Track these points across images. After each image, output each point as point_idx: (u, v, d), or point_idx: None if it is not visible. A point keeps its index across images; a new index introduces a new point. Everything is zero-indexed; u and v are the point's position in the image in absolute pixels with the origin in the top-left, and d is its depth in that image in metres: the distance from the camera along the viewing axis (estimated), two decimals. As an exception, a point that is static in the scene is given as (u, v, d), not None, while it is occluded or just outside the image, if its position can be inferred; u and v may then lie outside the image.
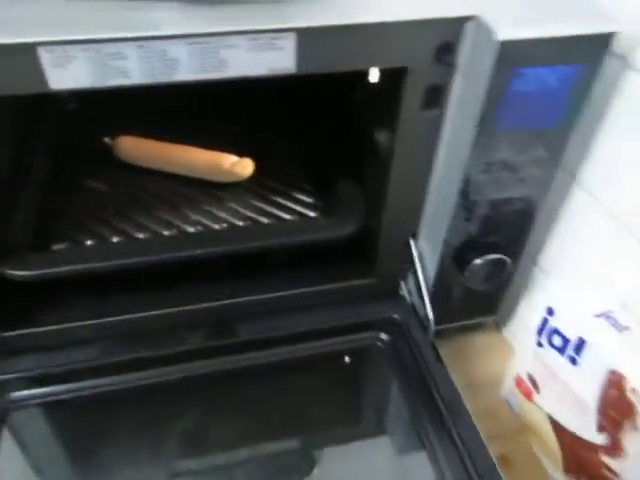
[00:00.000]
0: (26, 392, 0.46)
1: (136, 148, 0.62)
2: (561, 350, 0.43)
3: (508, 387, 0.52)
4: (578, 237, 0.47)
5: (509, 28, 0.34)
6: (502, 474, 0.47)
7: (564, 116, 0.39)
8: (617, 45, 0.38)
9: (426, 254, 0.51)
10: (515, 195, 0.44)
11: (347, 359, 0.45)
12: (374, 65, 0.41)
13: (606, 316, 0.41)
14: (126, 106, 0.61)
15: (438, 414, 0.45)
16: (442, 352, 0.58)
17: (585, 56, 0.36)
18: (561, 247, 0.50)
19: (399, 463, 0.47)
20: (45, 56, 0.33)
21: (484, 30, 0.35)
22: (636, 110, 0.39)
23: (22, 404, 0.45)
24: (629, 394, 0.37)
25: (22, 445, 0.44)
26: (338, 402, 0.47)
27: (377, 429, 0.50)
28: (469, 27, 0.36)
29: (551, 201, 0.48)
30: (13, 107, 0.62)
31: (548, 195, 0.46)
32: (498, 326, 0.61)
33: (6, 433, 0.43)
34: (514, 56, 0.35)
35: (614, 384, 0.38)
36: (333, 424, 0.46)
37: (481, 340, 0.60)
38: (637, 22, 0.37)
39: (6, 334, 0.48)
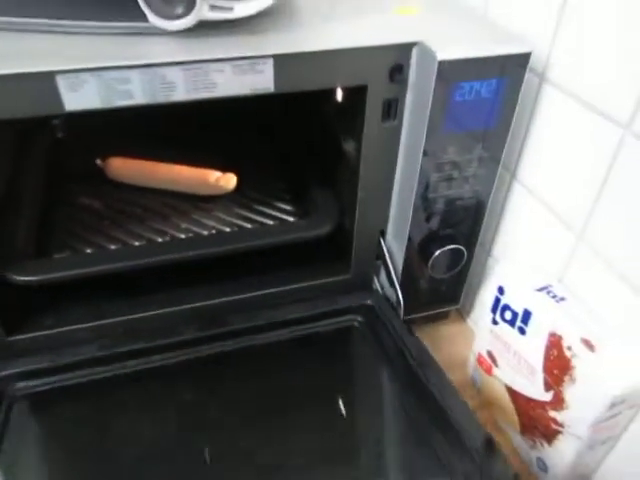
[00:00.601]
0: (30, 383, 0.50)
1: (126, 168, 0.68)
2: (511, 323, 0.50)
3: (471, 365, 0.59)
4: (520, 226, 0.55)
5: (446, 51, 0.42)
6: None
7: (497, 121, 0.47)
8: (536, 64, 0.47)
9: (394, 250, 0.57)
10: (465, 192, 0.51)
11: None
12: (339, 84, 0.48)
13: (546, 290, 0.48)
14: (113, 131, 0.67)
15: (410, 368, 0.50)
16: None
17: (508, 71, 0.44)
18: (508, 236, 0.57)
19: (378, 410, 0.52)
20: (62, 82, 0.39)
21: (427, 53, 0.42)
22: (552, 114, 0.47)
23: (26, 393, 0.49)
24: (566, 351, 0.44)
25: (27, 432, 0.48)
26: (322, 373, 0.53)
27: (359, 390, 0.55)
28: (415, 51, 0.44)
29: (497, 196, 0.56)
30: (11, 134, 0.68)
31: (494, 191, 0.53)
32: (462, 316, 0.68)
33: (13, 421, 0.48)
34: (451, 72, 0.42)
35: (554, 345, 0.45)
36: (319, 391, 0.51)
37: (447, 329, 0.66)
38: (544, 46, 0.46)
39: (10, 338, 0.52)
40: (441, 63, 0.41)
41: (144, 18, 0.40)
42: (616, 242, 0.43)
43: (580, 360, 0.43)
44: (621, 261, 0.42)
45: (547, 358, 0.46)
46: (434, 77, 0.42)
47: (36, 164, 0.68)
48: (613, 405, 0.41)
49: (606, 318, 0.45)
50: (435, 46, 0.42)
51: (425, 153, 0.47)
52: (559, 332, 0.44)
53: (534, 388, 0.48)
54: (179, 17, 0.41)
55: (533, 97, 0.49)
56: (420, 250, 0.55)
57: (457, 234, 0.55)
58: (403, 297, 0.58)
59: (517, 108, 0.47)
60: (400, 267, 0.57)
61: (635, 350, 0.42)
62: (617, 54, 0.39)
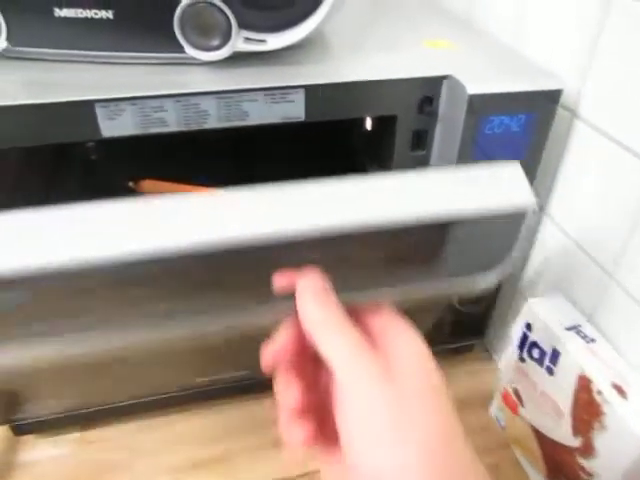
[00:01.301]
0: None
1: (158, 189, 0.70)
2: (539, 361, 0.48)
3: (495, 403, 0.57)
4: (550, 262, 0.53)
5: (476, 84, 0.42)
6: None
7: (527, 155, 0.46)
8: (568, 99, 0.46)
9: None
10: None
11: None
12: (370, 114, 0.48)
13: (576, 330, 0.46)
14: (146, 152, 0.69)
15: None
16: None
17: (539, 107, 0.44)
18: (537, 271, 0.56)
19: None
20: (100, 111, 0.40)
21: (457, 86, 0.42)
22: (583, 151, 0.46)
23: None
24: (596, 396, 0.42)
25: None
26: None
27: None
28: (446, 83, 0.44)
29: (525, 231, 0.55)
30: (47, 154, 0.71)
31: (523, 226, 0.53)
32: (488, 351, 0.66)
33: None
34: (481, 106, 0.42)
35: (583, 388, 0.43)
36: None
37: (472, 363, 0.65)
38: (576, 82, 0.45)
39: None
40: (472, 97, 0.41)
41: (181, 49, 0.42)
42: (649, 284, 0.41)
43: (611, 406, 0.41)
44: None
45: (576, 402, 0.44)
46: (464, 110, 0.42)
47: (69, 185, 0.70)
48: (646, 456, 0.39)
49: (638, 361, 0.43)
50: (466, 80, 0.42)
51: (453, 185, 0.47)
52: (589, 375, 0.43)
53: (562, 432, 0.46)
54: (215, 49, 0.42)
55: (564, 132, 0.48)
56: (446, 282, 0.54)
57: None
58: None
59: (547, 143, 0.46)
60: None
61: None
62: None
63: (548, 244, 0.53)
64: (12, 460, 0.53)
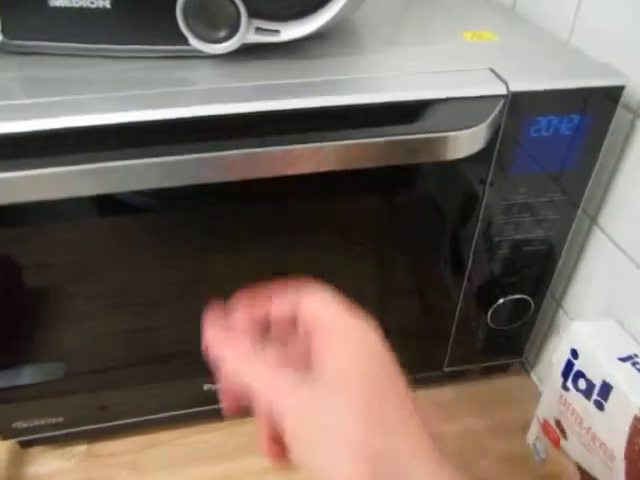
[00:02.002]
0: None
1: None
2: (587, 394, 0.42)
3: (534, 432, 0.51)
4: (599, 279, 0.47)
5: (520, 81, 0.36)
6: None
7: (579, 161, 0.40)
8: (630, 98, 0.40)
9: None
10: (535, 236, 0.45)
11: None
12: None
13: (632, 361, 0.41)
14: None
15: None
16: (468, 395, 0.58)
17: (595, 106, 0.38)
18: (584, 289, 0.50)
19: None
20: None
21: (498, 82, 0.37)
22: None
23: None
24: (655, 441, 0.36)
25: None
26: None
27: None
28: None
29: (573, 243, 0.49)
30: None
31: (570, 237, 0.47)
32: (526, 369, 0.60)
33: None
34: (525, 105, 0.36)
35: (638, 431, 0.37)
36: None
37: (509, 383, 0.59)
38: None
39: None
40: (514, 94, 0.36)
41: (185, 41, 0.37)
42: None
43: (673, 455, 0.35)
44: None
45: (631, 446, 0.38)
46: (505, 109, 0.36)
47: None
48: None
49: None
50: (507, 75, 0.36)
51: (493, 192, 0.41)
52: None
53: (613, 477, 0.41)
54: (222, 40, 0.37)
55: (624, 136, 0.41)
56: (479, 296, 0.49)
57: (523, 283, 0.48)
58: (457, 344, 0.52)
59: (603, 148, 0.40)
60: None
61: None
62: None
63: (599, 259, 0.47)
64: (18, 473, 0.51)
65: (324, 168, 0.33)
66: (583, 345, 0.43)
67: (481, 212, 0.42)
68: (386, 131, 0.33)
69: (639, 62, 0.39)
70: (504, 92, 0.36)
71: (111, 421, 0.51)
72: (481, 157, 0.39)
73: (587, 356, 0.42)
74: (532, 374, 0.59)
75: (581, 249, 0.49)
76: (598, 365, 0.41)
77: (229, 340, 0.28)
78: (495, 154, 0.39)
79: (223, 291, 0.45)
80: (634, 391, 0.38)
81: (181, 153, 0.31)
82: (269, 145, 0.32)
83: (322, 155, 0.33)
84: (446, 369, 0.55)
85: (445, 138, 0.33)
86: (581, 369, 0.43)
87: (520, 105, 0.36)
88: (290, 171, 0.32)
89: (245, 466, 0.52)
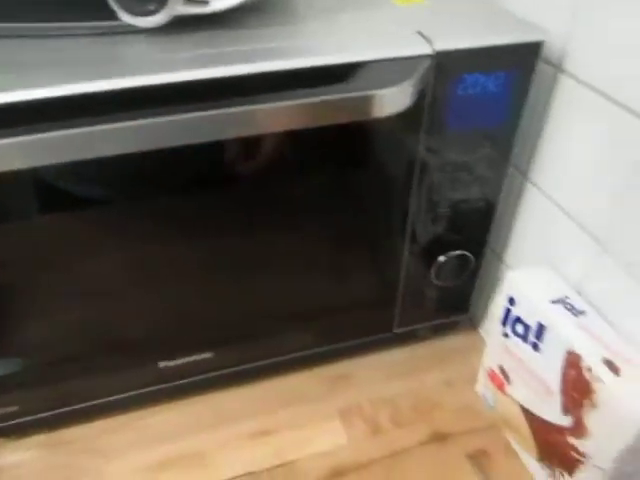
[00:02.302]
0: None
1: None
2: (524, 338, 0.45)
3: (482, 381, 0.54)
4: (534, 232, 0.50)
5: (444, 40, 0.37)
6: (481, 468, 0.49)
7: (507, 117, 0.42)
8: (552, 53, 0.42)
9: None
10: (472, 194, 0.47)
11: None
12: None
13: (563, 302, 0.43)
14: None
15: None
16: (421, 354, 0.60)
17: (518, 62, 0.40)
18: (522, 242, 0.52)
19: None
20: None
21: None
22: (570, 109, 0.42)
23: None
24: (586, 373, 0.39)
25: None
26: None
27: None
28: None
29: (509, 199, 0.51)
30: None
31: (505, 193, 0.49)
32: (475, 325, 0.63)
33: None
34: (452, 64, 0.38)
35: (572, 365, 0.40)
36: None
37: (459, 340, 0.62)
38: (560, 34, 0.41)
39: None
40: (439, 54, 0.37)
41: (115, 16, 0.37)
42: (637, 253, 0.38)
43: (602, 384, 0.38)
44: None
45: (565, 379, 0.41)
46: (432, 69, 0.38)
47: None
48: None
49: (633, 335, 0.40)
50: (433, 36, 0.38)
51: (426, 151, 0.43)
52: (577, 351, 0.40)
53: (551, 411, 0.44)
54: (151, 13, 0.37)
55: (548, 90, 0.44)
56: (422, 255, 0.51)
57: (464, 239, 0.50)
58: (405, 305, 0.54)
59: (528, 103, 0.42)
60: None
61: (664, 372, 0.37)
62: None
63: (533, 212, 0.50)
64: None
65: (258, 131, 0.34)
66: (518, 292, 0.45)
67: (417, 171, 0.44)
68: (315, 92, 0.33)
69: (559, 17, 0.41)
70: (429, 52, 0.37)
71: (69, 406, 0.51)
72: (413, 116, 0.40)
73: (522, 301, 0.45)
74: (480, 329, 0.63)
75: (516, 204, 0.52)
76: (533, 309, 0.44)
77: None
78: (426, 113, 0.40)
79: (173, 277, 0.46)
80: (565, 329, 0.41)
81: (115, 121, 0.32)
82: (207, 110, 0.33)
83: (257, 117, 0.34)
84: (397, 330, 0.57)
85: (372, 96, 0.34)
86: (518, 315, 0.46)
87: (446, 64, 0.38)
88: (225, 135, 0.33)
89: (204, 442, 0.52)
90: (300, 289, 0.52)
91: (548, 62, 0.43)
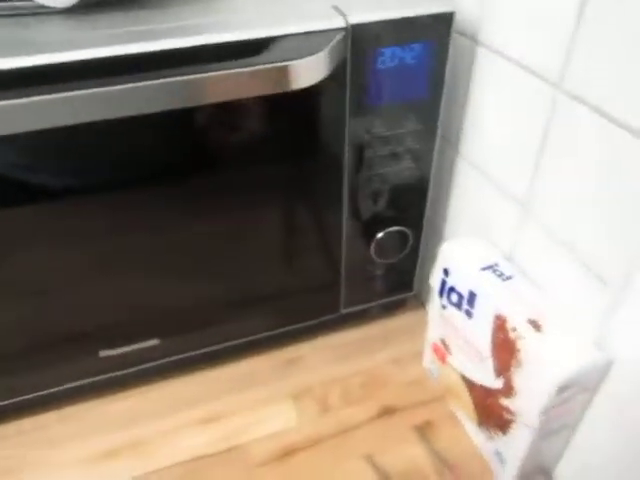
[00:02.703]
0: None
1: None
2: (458, 306, 0.46)
3: (428, 355, 0.55)
4: (467, 204, 0.51)
5: (359, 13, 0.38)
6: (425, 437, 0.50)
7: (428, 89, 0.43)
8: (468, 25, 0.43)
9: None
10: (402, 169, 0.48)
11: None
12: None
13: (492, 269, 0.45)
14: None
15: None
16: (370, 334, 0.61)
17: (433, 34, 0.41)
18: (458, 215, 0.54)
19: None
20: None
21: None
22: (487, 80, 0.44)
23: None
24: (511, 333, 0.40)
25: None
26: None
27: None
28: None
29: (443, 173, 0.52)
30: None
31: (438, 167, 0.50)
32: (423, 303, 0.64)
33: None
34: (367, 38, 0.39)
35: (500, 327, 0.41)
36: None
37: (407, 318, 0.63)
38: (474, 5, 0.42)
39: None
40: (353, 27, 0.38)
41: (25, -5, 0.37)
42: (560, 215, 0.39)
43: (525, 342, 0.39)
44: (567, 235, 0.39)
45: (494, 342, 0.42)
46: (347, 42, 0.39)
47: None
48: (561, 390, 0.37)
49: (556, 296, 0.41)
50: (349, 10, 0.39)
51: (353, 127, 0.44)
52: (504, 313, 0.41)
53: (485, 375, 0.45)
54: (64, -8, 0.37)
55: (469, 63, 0.45)
56: (360, 233, 0.51)
57: (401, 215, 0.51)
58: (350, 285, 0.55)
59: (447, 74, 0.43)
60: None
61: (585, 330, 0.39)
62: (543, 3, 0.36)
63: (464, 184, 0.51)
64: None
65: (174, 105, 0.34)
66: (452, 262, 0.46)
67: (346, 148, 0.44)
68: (223, 66, 0.34)
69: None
70: (343, 25, 0.38)
71: (13, 398, 0.50)
72: (336, 92, 0.41)
73: (455, 271, 0.46)
74: (427, 306, 0.64)
75: (450, 178, 0.53)
76: (464, 277, 0.45)
77: None
78: (348, 89, 0.41)
79: (112, 264, 0.46)
80: (493, 294, 0.42)
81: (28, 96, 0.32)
82: (122, 83, 0.33)
83: (173, 90, 0.34)
84: (344, 311, 0.58)
85: (284, 67, 0.34)
86: (452, 285, 0.46)
87: (362, 38, 0.39)
88: (137, 111, 0.33)
89: (152, 430, 0.52)
90: (244, 274, 0.52)
91: (464, 34, 0.44)
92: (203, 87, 0.34)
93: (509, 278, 0.44)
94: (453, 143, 0.50)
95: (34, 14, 0.38)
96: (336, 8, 0.39)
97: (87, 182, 0.41)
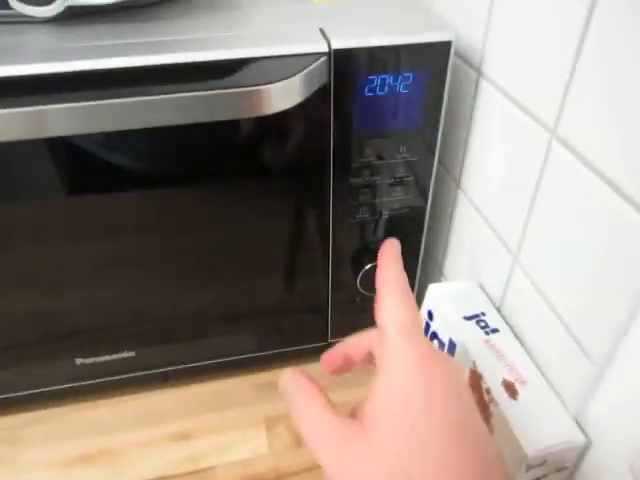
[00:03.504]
0: None
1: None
2: (439, 354, 0.43)
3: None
4: (467, 243, 0.48)
5: (344, 38, 0.36)
6: None
7: (423, 121, 0.40)
8: (473, 56, 0.40)
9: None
10: (394, 199, 0.45)
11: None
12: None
13: (477, 319, 0.41)
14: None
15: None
16: (355, 366, 0.58)
17: (429, 63, 0.38)
18: (457, 254, 0.50)
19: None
20: None
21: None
22: (488, 114, 0.40)
23: None
24: (485, 395, 0.37)
25: None
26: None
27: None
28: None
29: (445, 207, 0.49)
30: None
31: (440, 201, 0.47)
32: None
33: None
34: (353, 63, 0.36)
35: (474, 385, 0.38)
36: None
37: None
38: (479, 36, 0.39)
39: None
40: (336, 52, 0.36)
41: (6, 4, 0.37)
42: (547, 273, 0.35)
43: (498, 408, 0.35)
44: (553, 296, 0.35)
45: (468, 400, 0.39)
46: (331, 67, 0.36)
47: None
48: (530, 467, 0.33)
49: (539, 359, 0.37)
50: (335, 34, 0.36)
51: (339, 155, 0.41)
52: (480, 370, 0.37)
53: (459, 433, 0.41)
54: (45, 3, 0.37)
55: (472, 95, 0.42)
56: (348, 264, 0.49)
57: (392, 248, 0.48)
58: (337, 315, 0.52)
59: (445, 104, 0.40)
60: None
61: (564, 403, 0.35)
62: (541, 46, 0.32)
63: (465, 223, 0.47)
64: None
65: (134, 125, 0.33)
66: (436, 306, 0.43)
67: (331, 177, 0.42)
68: (195, 87, 0.32)
69: (479, 17, 0.39)
70: (325, 50, 0.35)
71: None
72: (319, 117, 0.39)
73: (439, 317, 0.43)
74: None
75: (452, 213, 0.49)
76: (447, 324, 0.42)
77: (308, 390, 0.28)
78: (332, 115, 0.38)
79: (92, 273, 0.46)
80: (472, 347, 0.39)
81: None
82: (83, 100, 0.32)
83: (137, 110, 0.33)
84: (331, 340, 0.55)
85: (258, 91, 0.32)
86: (435, 330, 0.43)
87: (348, 64, 0.36)
88: (91, 129, 0.32)
89: (121, 442, 0.51)
90: (230, 290, 0.51)
91: (468, 62, 0.41)
92: (162, 108, 0.33)
93: (494, 331, 0.40)
94: (455, 175, 0.47)
95: (15, 23, 0.38)
96: (322, 31, 0.37)
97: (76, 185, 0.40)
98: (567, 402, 0.34)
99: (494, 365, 0.37)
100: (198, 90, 0.33)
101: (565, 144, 0.31)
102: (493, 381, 0.36)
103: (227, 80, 0.33)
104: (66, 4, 0.37)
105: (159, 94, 0.33)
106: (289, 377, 0.29)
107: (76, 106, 0.32)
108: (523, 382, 0.36)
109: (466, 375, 0.38)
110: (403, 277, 0.30)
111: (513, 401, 0.35)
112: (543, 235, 0.35)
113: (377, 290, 0.30)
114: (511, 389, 0.36)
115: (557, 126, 0.31)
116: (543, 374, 0.36)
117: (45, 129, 0.33)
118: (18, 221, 0.41)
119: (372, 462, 0.23)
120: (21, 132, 0.33)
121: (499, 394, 0.36)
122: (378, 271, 0.31)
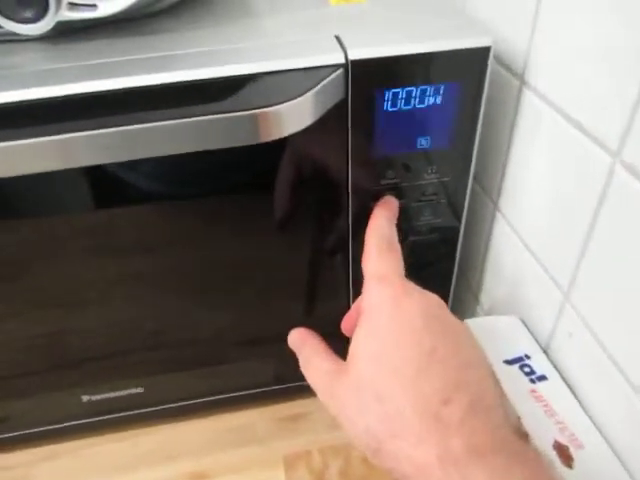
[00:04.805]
0: None
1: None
2: (476, 401, 0.38)
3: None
4: (505, 271, 0.42)
5: (364, 47, 0.31)
6: None
7: (456, 137, 0.35)
8: (515, 63, 0.35)
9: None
10: (423, 223, 0.40)
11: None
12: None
13: (520, 363, 0.36)
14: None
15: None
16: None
17: (463, 72, 0.33)
18: (494, 282, 0.45)
19: None
20: None
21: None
22: (533, 130, 0.34)
23: None
24: (532, 457, 0.31)
25: None
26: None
27: None
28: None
29: (481, 230, 0.44)
30: None
31: (471, 223, 0.42)
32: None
33: None
34: (375, 76, 0.32)
35: (519, 445, 0.33)
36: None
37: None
38: (524, 42, 0.33)
39: None
40: (354, 64, 0.31)
41: (-3, 23, 0.34)
42: (605, 317, 0.30)
43: (548, 475, 0.30)
44: (611, 345, 0.30)
45: (511, 460, 0.34)
46: (349, 81, 0.32)
47: None
48: None
49: (597, 416, 0.32)
50: (353, 43, 0.32)
51: (353, 177, 0.36)
52: (525, 429, 0.32)
53: None
54: (34, 20, 0.33)
55: (513, 106, 0.36)
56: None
57: (420, 275, 0.43)
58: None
59: (482, 119, 0.35)
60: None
61: (634, 470, 0.29)
62: (602, 57, 0.27)
63: (504, 249, 0.42)
64: None
65: (123, 157, 0.29)
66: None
67: (349, 201, 0.37)
68: (201, 110, 0.28)
69: (523, 23, 0.33)
70: (342, 61, 0.31)
71: (9, 432, 0.49)
72: (335, 140, 0.34)
73: (477, 358, 0.38)
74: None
75: (488, 237, 0.44)
76: (485, 368, 0.37)
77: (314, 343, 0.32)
78: (349, 134, 0.34)
79: (97, 306, 0.43)
80: (515, 399, 0.34)
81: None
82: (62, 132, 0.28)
83: (138, 139, 0.29)
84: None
85: (264, 114, 0.28)
86: (472, 373, 0.38)
87: (367, 76, 0.32)
88: (78, 163, 0.29)
89: (145, 476, 0.49)
90: (247, 315, 0.47)
91: (513, 73, 0.35)
92: (154, 140, 0.29)
93: (541, 379, 0.35)
94: (493, 198, 0.41)
95: (4, 42, 0.35)
96: (338, 39, 0.32)
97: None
98: (636, 475, 0.29)
99: (543, 422, 0.32)
100: (207, 114, 0.28)
101: (631, 170, 0.26)
102: (543, 443, 0.31)
103: (217, 105, 0.29)
104: (56, 19, 0.33)
105: (154, 121, 0.29)
106: (296, 335, 0.34)
107: (76, 136, 0.29)
108: (579, 446, 0.31)
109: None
110: (392, 230, 0.33)
111: (568, 469, 0.30)
112: (601, 272, 0.30)
113: (365, 240, 0.32)
114: (565, 455, 0.30)
115: (621, 149, 0.26)
116: (603, 436, 0.31)
117: (40, 165, 0.30)
118: (28, 240, 0.38)
119: (349, 389, 0.27)
120: (17, 168, 0.30)
121: (551, 460, 0.30)
122: (370, 221, 0.33)
